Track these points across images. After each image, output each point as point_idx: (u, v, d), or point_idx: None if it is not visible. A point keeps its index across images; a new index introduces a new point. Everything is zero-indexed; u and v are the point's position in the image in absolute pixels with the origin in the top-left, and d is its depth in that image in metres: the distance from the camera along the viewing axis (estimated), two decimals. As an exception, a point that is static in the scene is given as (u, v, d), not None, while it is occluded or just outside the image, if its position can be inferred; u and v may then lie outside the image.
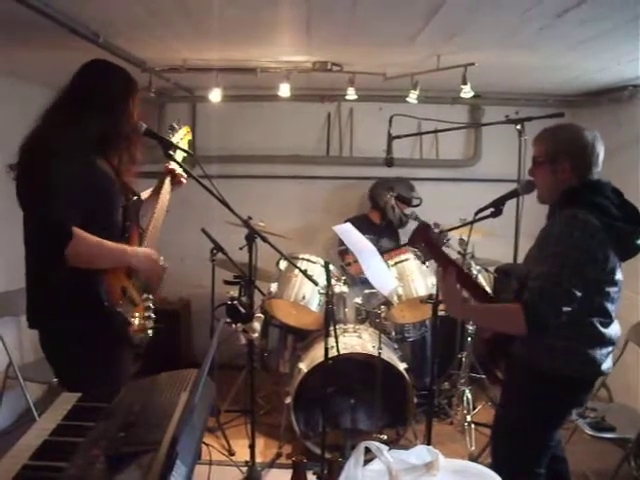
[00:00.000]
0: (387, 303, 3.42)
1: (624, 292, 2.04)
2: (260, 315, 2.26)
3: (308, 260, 3.39)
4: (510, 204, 2.37)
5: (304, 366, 3.20)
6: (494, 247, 3.53)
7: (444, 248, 2.69)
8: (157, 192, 2.27)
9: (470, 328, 3.57)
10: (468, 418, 3.48)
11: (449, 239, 3.00)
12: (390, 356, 3.22)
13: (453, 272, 2.03)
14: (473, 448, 3.30)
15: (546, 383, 2.00)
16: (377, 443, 1.77)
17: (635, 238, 1.95)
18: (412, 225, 3.52)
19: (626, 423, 2.78)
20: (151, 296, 2.15)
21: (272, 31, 2.63)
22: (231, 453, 3.28)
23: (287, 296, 3.36)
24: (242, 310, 2.32)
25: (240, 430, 3.38)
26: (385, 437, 3.11)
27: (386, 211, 4.14)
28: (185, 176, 2.35)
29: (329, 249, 4.29)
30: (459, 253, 3.35)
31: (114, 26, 2.48)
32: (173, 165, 2.32)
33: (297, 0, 2.11)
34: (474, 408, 3.63)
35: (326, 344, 2.65)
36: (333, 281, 3.14)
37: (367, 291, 3.55)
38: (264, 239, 2.54)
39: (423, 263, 3.37)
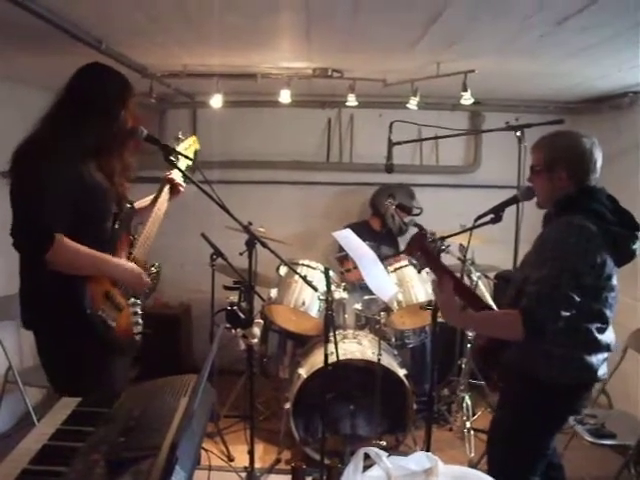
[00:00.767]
0: (387, 309, 3.42)
1: (623, 299, 2.04)
2: (260, 321, 2.27)
3: (308, 266, 3.40)
4: (510, 210, 2.37)
5: (304, 372, 3.19)
6: (494, 253, 3.53)
7: (443, 255, 2.69)
8: (155, 201, 2.26)
9: (470, 335, 3.56)
10: (467, 424, 3.47)
11: (449, 245, 3.00)
12: (390, 362, 3.21)
13: (450, 281, 2.03)
14: (472, 454, 3.29)
15: (542, 390, 1.99)
16: (376, 449, 1.77)
17: (631, 243, 1.96)
18: (412, 233, 3.52)
19: (626, 430, 2.77)
20: (139, 301, 2.14)
21: (272, 37, 2.64)
22: (230, 459, 3.27)
23: (287, 302, 3.36)
24: (242, 315, 2.32)
25: (239, 436, 3.38)
26: (384, 443, 3.11)
27: (386, 219, 4.15)
28: (184, 186, 2.35)
29: (328, 255, 4.29)
30: (459, 259, 3.34)
31: (116, 33, 2.49)
32: (173, 175, 2.32)
33: (297, 7, 2.11)
34: (473, 414, 3.62)
35: (326, 350, 2.65)
36: (333, 287, 3.14)
37: (367, 297, 3.54)
38: (264, 245, 2.54)
39: (419, 272, 3.36)
